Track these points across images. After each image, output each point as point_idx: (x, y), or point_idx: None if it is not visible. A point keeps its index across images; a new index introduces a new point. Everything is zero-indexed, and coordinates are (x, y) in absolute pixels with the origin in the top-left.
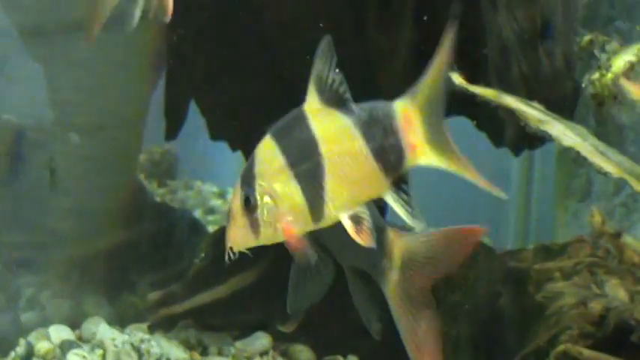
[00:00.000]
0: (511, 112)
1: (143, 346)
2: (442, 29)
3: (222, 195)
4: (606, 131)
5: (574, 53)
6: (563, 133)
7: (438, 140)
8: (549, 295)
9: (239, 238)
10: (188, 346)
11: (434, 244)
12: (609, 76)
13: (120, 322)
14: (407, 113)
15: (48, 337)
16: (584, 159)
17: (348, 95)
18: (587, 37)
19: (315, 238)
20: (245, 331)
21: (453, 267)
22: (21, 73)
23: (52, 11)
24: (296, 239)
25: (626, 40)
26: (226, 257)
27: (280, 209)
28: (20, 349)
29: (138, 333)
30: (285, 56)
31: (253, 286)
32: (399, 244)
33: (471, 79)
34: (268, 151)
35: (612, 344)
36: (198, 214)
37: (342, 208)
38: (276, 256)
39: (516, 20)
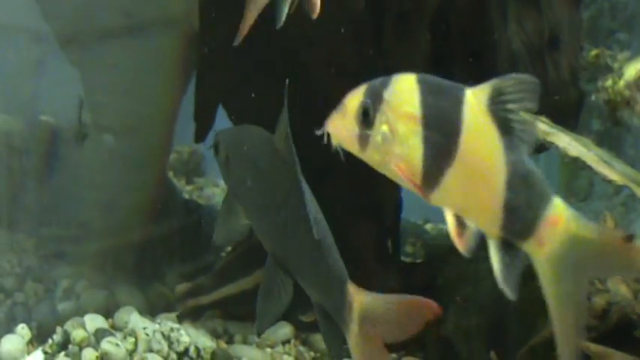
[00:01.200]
0: None
1: (173, 335)
2: (455, 41)
3: None
4: (609, 135)
5: (578, 64)
6: (569, 144)
7: (560, 269)
8: None
9: (341, 135)
10: (215, 335)
11: (390, 308)
12: (621, 83)
13: (151, 311)
14: (559, 217)
15: (83, 326)
16: (590, 168)
17: (518, 126)
18: (593, 52)
19: (280, 262)
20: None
21: (404, 334)
22: (57, 77)
23: (87, 19)
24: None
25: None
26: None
27: (393, 149)
28: (57, 336)
29: (168, 322)
30: (309, 66)
31: None
32: (358, 300)
33: None
34: (408, 88)
35: (614, 338)
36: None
37: (448, 204)
38: None
39: (525, 32)
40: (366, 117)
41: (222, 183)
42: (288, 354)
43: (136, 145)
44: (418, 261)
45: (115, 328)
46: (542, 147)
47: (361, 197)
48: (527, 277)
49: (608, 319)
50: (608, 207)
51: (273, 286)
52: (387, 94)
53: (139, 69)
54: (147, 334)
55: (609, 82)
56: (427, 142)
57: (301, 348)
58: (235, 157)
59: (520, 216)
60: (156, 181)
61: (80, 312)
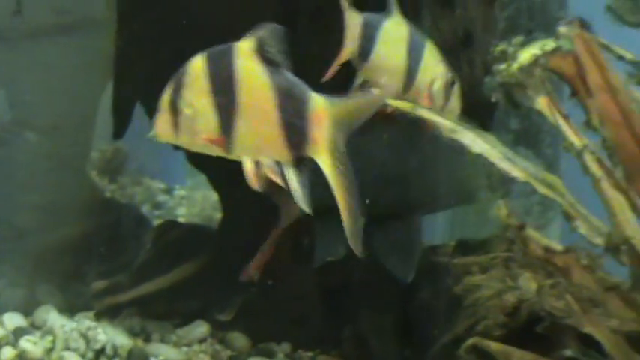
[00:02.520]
0: None
1: (90, 333)
2: None
3: (168, 191)
4: (526, 136)
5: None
6: (473, 141)
7: (337, 155)
8: (467, 287)
9: (162, 131)
10: (132, 333)
11: None
12: (515, 66)
13: (70, 310)
14: (322, 112)
15: (2, 324)
16: (493, 165)
17: (282, 61)
18: (499, 47)
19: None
20: (185, 319)
21: None
22: None
23: (14, 17)
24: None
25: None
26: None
27: (197, 126)
28: None
29: (85, 320)
30: None
31: (193, 277)
32: None
33: None
34: (198, 68)
35: (525, 333)
36: (145, 208)
37: (244, 152)
38: (216, 249)
39: (439, 31)
40: (174, 108)
41: (145, 182)
42: (205, 352)
43: (60, 144)
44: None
45: (34, 326)
46: None
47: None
48: (440, 278)
49: (518, 315)
50: (525, 205)
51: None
52: (184, 80)
53: (71, 67)
54: (65, 332)
55: (504, 66)
56: (218, 105)
57: (217, 346)
58: None
59: (295, 128)
60: (77, 180)
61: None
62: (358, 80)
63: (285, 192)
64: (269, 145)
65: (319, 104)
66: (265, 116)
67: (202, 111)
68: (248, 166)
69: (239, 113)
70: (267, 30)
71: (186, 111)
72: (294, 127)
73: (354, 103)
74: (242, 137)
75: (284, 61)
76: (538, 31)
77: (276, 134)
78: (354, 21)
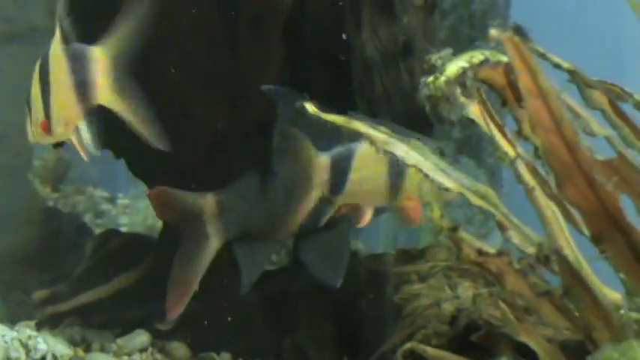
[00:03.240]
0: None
1: (30, 343)
2: (311, 44)
3: (111, 200)
4: (468, 145)
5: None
6: (407, 153)
7: (121, 88)
8: (406, 296)
9: (30, 132)
10: (73, 343)
11: None
12: (442, 79)
13: (11, 319)
14: (100, 57)
15: None
16: (426, 176)
17: (72, 34)
18: (434, 57)
19: None
20: (126, 328)
21: None
22: None
23: None
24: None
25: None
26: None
27: (35, 118)
28: None
29: (26, 330)
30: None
31: (134, 286)
32: None
33: (338, 95)
34: (35, 73)
35: (463, 343)
36: (88, 217)
37: (60, 126)
38: (157, 258)
39: (379, 39)
40: (29, 109)
41: (88, 190)
42: None
43: (4, 153)
44: (274, 268)
45: None
46: None
47: None
48: (380, 287)
49: (456, 324)
50: (467, 215)
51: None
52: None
53: (16, 75)
54: (5, 342)
55: (431, 79)
56: (43, 94)
57: (158, 356)
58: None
59: (85, 84)
60: (20, 189)
61: None
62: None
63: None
64: (73, 110)
65: (95, 53)
66: (64, 86)
67: (36, 104)
68: (74, 140)
69: (52, 94)
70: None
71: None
72: (85, 84)
73: (124, 27)
74: (55, 113)
75: (73, 30)
76: (479, 40)
77: (72, 96)
78: (320, 165)
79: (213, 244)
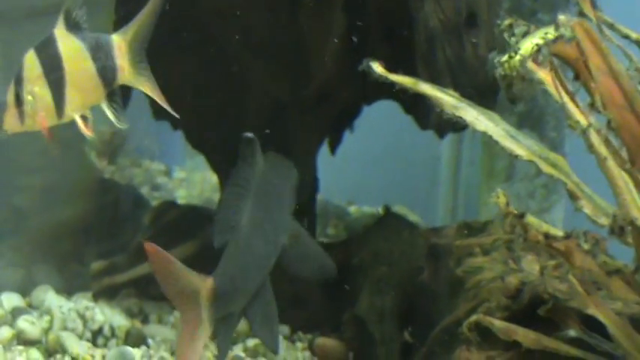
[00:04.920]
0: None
1: (88, 314)
2: (372, 18)
3: (167, 173)
4: (530, 118)
5: (497, 43)
6: (477, 118)
7: (138, 67)
8: (469, 269)
9: (11, 124)
10: (130, 314)
11: None
12: (517, 57)
13: (67, 290)
14: (120, 44)
15: (0, 304)
16: (497, 143)
17: (85, 26)
18: (506, 22)
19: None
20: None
21: None
22: None
23: None
24: (46, 129)
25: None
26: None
27: (37, 106)
28: None
29: (83, 301)
30: (223, 41)
31: (192, 257)
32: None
33: (399, 66)
34: (32, 61)
35: (527, 316)
36: (144, 190)
37: (76, 110)
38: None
39: (442, 10)
40: (18, 99)
41: (144, 163)
42: None
43: (63, 124)
44: (333, 241)
45: (32, 306)
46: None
47: None
48: (442, 260)
49: (520, 298)
50: (529, 189)
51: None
52: (24, 74)
53: None
54: (62, 313)
55: (505, 58)
56: (51, 82)
57: None
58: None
59: (108, 69)
60: (76, 161)
61: None
62: None
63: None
64: (93, 95)
65: (116, 39)
66: (87, 74)
67: (39, 94)
68: (79, 122)
69: (68, 84)
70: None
71: (30, 99)
72: (107, 68)
73: (139, 20)
74: (71, 101)
75: (85, 21)
76: (542, 12)
77: (96, 83)
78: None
79: (207, 328)
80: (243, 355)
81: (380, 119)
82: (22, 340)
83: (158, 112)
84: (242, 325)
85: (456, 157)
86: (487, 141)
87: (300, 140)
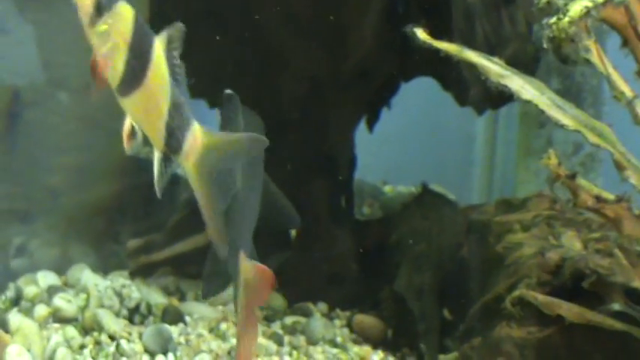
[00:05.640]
0: (475, 73)
1: (124, 291)
2: None
3: None
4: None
5: (535, 18)
6: (522, 87)
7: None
8: (509, 245)
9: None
10: (167, 292)
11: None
12: (566, 20)
13: (103, 269)
14: (198, 138)
15: (36, 282)
16: (542, 112)
17: (181, 80)
18: None
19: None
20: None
21: None
22: (17, 35)
23: None
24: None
25: None
26: None
27: (108, 45)
28: (10, 292)
29: (119, 279)
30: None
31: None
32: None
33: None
34: (128, 12)
35: (568, 292)
36: (180, 169)
37: (131, 114)
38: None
39: None
40: (100, 8)
41: None
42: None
43: (94, 104)
44: (371, 218)
45: (68, 285)
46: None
47: (314, 154)
48: (481, 237)
49: (561, 274)
50: (567, 166)
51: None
52: (115, 8)
53: None
54: (99, 291)
55: (554, 19)
56: (128, 62)
57: None
58: (225, 122)
59: (175, 136)
60: (110, 141)
61: (33, 269)
62: None
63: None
64: (152, 129)
65: (197, 129)
66: (159, 109)
67: (117, 49)
68: (126, 125)
69: (145, 78)
70: (175, 30)
71: (104, 27)
72: (175, 134)
73: (227, 140)
74: (135, 105)
75: (180, 66)
76: None
77: (161, 128)
78: None
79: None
80: (281, 332)
81: (414, 97)
82: (58, 318)
83: (195, 90)
84: (280, 303)
85: (491, 136)
86: (524, 120)
87: (338, 118)
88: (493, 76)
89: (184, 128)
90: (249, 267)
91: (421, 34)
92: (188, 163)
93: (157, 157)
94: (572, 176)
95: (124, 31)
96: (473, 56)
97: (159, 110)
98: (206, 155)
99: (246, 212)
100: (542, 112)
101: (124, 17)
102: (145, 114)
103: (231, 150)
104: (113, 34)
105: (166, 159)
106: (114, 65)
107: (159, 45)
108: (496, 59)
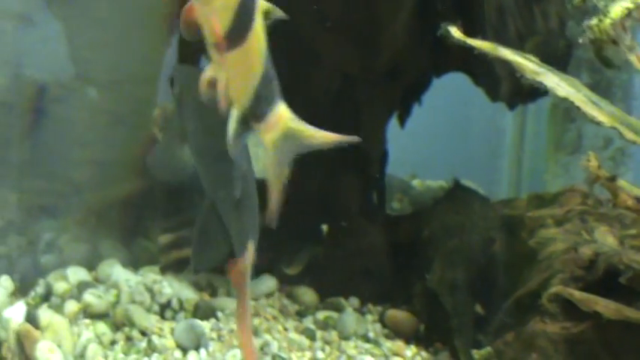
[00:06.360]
0: (507, 68)
1: (155, 287)
2: None
3: None
4: (598, 90)
5: (567, 14)
6: (558, 84)
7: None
8: (541, 240)
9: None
10: (198, 288)
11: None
12: (607, 21)
13: (134, 264)
14: (284, 115)
15: (66, 278)
16: (578, 109)
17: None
18: None
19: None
20: (252, 273)
21: None
22: (43, 31)
23: None
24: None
25: None
26: None
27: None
28: (40, 288)
29: (150, 274)
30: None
31: (261, 230)
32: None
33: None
34: None
35: (601, 288)
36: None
37: (229, 70)
38: (282, 202)
39: None
40: None
41: None
42: (272, 307)
43: (119, 100)
44: (402, 214)
45: (98, 280)
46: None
47: (347, 150)
48: (514, 232)
49: (595, 269)
50: None
51: (208, 230)
52: None
53: (125, 23)
54: (129, 286)
55: (595, 21)
56: (234, 21)
57: (285, 301)
58: (188, 95)
59: (261, 104)
60: (139, 136)
61: (63, 265)
62: None
63: None
64: (243, 89)
65: (282, 107)
66: (253, 71)
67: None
68: (207, 73)
69: (248, 38)
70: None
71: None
72: (261, 101)
73: (307, 128)
74: (234, 63)
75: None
76: None
77: (251, 91)
78: None
79: None
80: (313, 327)
81: (442, 91)
82: (89, 313)
83: None
84: (312, 298)
85: (520, 130)
86: (554, 114)
87: (370, 114)
88: (528, 74)
89: (271, 100)
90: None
91: (455, 32)
92: (267, 136)
93: (234, 116)
94: (612, 178)
95: None
96: (508, 54)
97: (253, 72)
98: (286, 135)
99: (253, 196)
100: (578, 108)
101: None
102: (239, 73)
103: (307, 140)
104: None
105: (244, 122)
106: (221, 19)
107: (260, 8)
108: (531, 56)
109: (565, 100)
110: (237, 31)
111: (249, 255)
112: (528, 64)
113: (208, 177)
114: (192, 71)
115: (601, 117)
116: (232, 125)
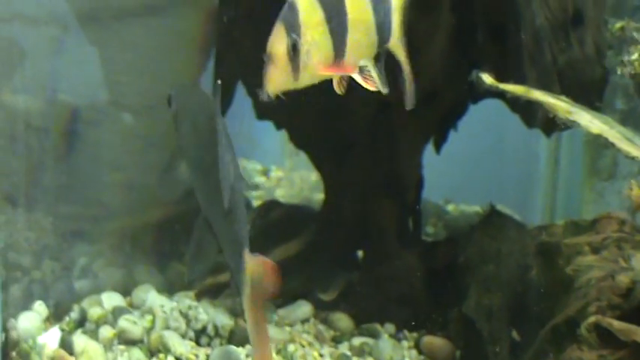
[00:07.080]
0: None
1: (191, 313)
2: (479, 16)
3: (265, 172)
4: (633, 116)
5: (604, 40)
6: (591, 121)
7: (402, 35)
8: (579, 268)
9: (280, 81)
10: (233, 314)
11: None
12: None
13: (168, 290)
14: (397, 6)
15: (100, 304)
16: (613, 145)
17: None
18: (618, 24)
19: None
20: (288, 299)
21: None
22: (77, 56)
23: None
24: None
25: None
26: (264, 97)
27: (316, 56)
28: (74, 314)
29: (185, 300)
30: None
31: (296, 256)
32: (250, 265)
33: (506, 65)
34: (309, 5)
35: (638, 315)
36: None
37: (351, 58)
38: (319, 229)
39: (549, 8)
40: (295, 49)
41: (241, 163)
42: (308, 333)
43: (153, 124)
44: (439, 239)
45: (133, 306)
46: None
47: (382, 175)
48: (550, 259)
49: (632, 297)
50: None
51: (202, 243)
52: (300, 19)
53: (159, 47)
54: (164, 312)
55: (635, 56)
56: (332, 31)
57: (320, 327)
58: (182, 113)
59: (383, 26)
60: (173, 160)
61: (98, 290)
62: None
63: None
64: (368, 48)
65: (397, 4)
66: (367, 25)
67: (320, 41)
68: (357, 78)
69: (349, 32)
70: None
71: (306, 46)
72: (384, 26)
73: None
74: (351, 51)
75: None
76: None
77: (373, 39)
78: None
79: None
80: (349, 353)
81: (477, 116)
82: (124, 339)
83: (262, 113)
84: (348, 324)
85: (555, 155)
86: (589, 139)
87: (406, 140)
88: (561, 113)
89: (386, 14)
90: (254, 262)
91: (487, 78)
92: (397, 41)
93: (373, 68)
94: None
95: (317, 19)
96: (540, 95)
97: (369, 31)
98: (403, 21)
99: (242, 206)
100: (613, 145)
101: (309, 9)
102: (361, 45)
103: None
104: (312, 37)
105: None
106: (326, 54)
107: None
108: (562, 96)
109: (599, 136)
110: (338, 43)
111: (245, 265)
112: (560, 104)
113: (201, 190)
114: (188, 90)
115: (636, 152)
116: (375, 72)
